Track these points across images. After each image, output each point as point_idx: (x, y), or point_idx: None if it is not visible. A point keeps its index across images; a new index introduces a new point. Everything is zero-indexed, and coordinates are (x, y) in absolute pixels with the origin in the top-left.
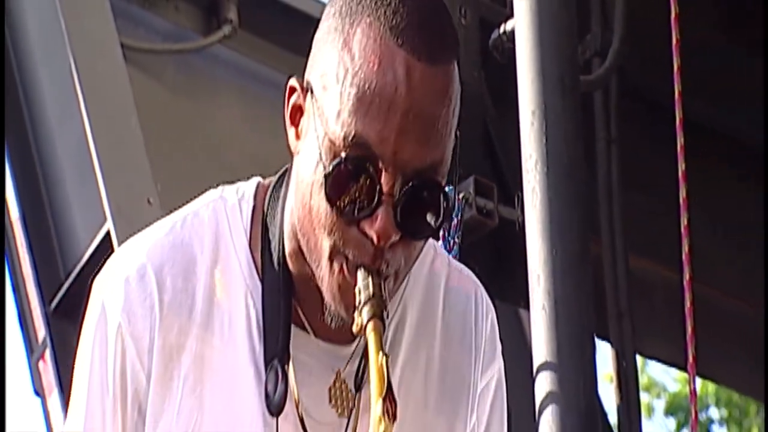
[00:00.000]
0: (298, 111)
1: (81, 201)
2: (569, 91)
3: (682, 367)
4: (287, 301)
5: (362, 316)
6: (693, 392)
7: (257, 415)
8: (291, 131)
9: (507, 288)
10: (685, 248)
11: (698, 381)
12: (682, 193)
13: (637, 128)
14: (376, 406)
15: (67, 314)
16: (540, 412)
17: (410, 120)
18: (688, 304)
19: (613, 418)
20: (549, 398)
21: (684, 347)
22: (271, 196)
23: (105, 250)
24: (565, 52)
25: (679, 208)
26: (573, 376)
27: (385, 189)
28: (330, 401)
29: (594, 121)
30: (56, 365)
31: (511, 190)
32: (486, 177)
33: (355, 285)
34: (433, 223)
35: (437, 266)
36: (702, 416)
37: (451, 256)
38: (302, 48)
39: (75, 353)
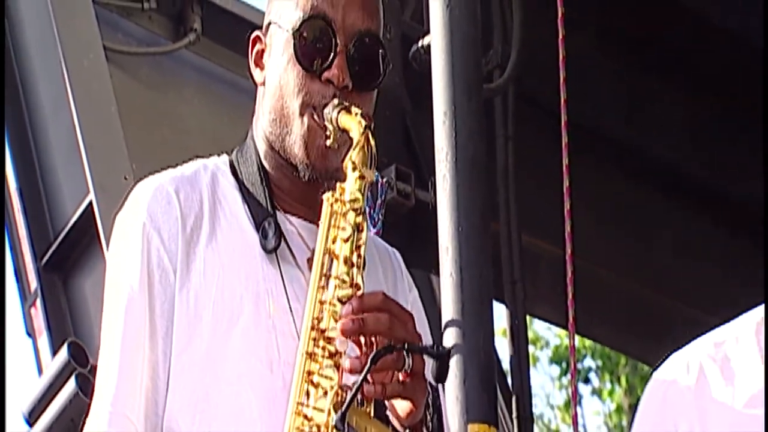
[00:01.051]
0: (260, 54)
1: (68, 176)
2: (475, 96)
3: (564, 326)
4: (268, 188)
5: (333, 116)
6: (572, 347)
7: (260, 256)
8: (256, 71)
9: (421, 257)
10: (568, 228)
11: (576, 337)
12: (566, 183)
13: (530, 128)
14: (355, 118)
15: (54, 269)
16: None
17: None
18: (569, 274)
19: (506, 366)
20: (454, 349)
21: (565, 310)
22: (238, 148)
23: (88, 216)
24: (472, 63)
25: (563, 195)
26: (474, 331)
27: (339, 43)
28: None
29: (495, 121)
30: (45, 311)
31: (426, 177)
32: (405, 165)
33: (324, 125)
34: (377, 77)
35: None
36: (580, 366)
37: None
38: None
39: (61, 302)
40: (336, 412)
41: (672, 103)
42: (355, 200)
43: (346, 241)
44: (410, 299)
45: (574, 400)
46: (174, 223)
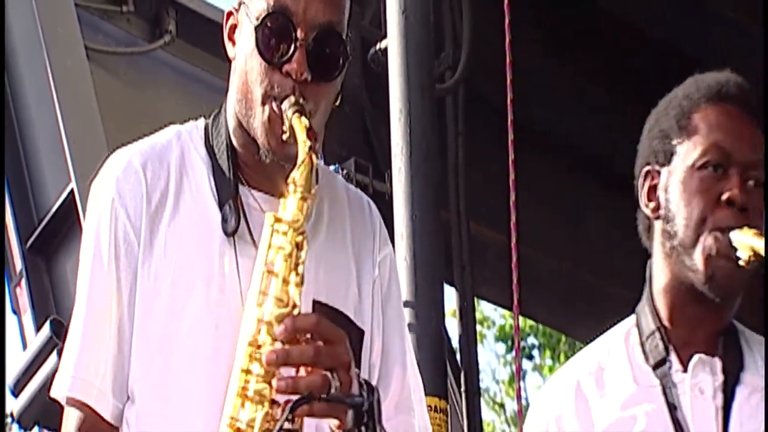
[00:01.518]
0: (233, 29)
1: (51, 166)
2: (428, 95)
3: (509, 307)
4: (234, 165)
5: (287, 116)
6: (516, 327)
7: (220, 237)
8: (229, 45)
9: None
10: (513, 218)
11: (520, 317)
12: (512, 176)
13: (479, 125)
14: (301, 136)
15: (38, 251)
16: None
17: None
18: (514, 260)
19: (455, 344)
20: (409, 327)
21: (510, 292)
22: (214, 115)
23: (69, 203)
24: (425, 65)
25: (509, 188)
26: (427, 312)
27: (299, 38)
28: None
29: (446, 119)
30: (29, 290)
31: (383, 169)
32: (363, 158)
33: (282, 117)
34: (336, 68)
35: (339, 180)
36: (523, 344)
37: None
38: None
39: (44, 282)
40: None
41: (608, 105)
42: (296, 221)
43: (285, 259)
44: (379, 258)
45: (517, 376)
46: (140, 200)
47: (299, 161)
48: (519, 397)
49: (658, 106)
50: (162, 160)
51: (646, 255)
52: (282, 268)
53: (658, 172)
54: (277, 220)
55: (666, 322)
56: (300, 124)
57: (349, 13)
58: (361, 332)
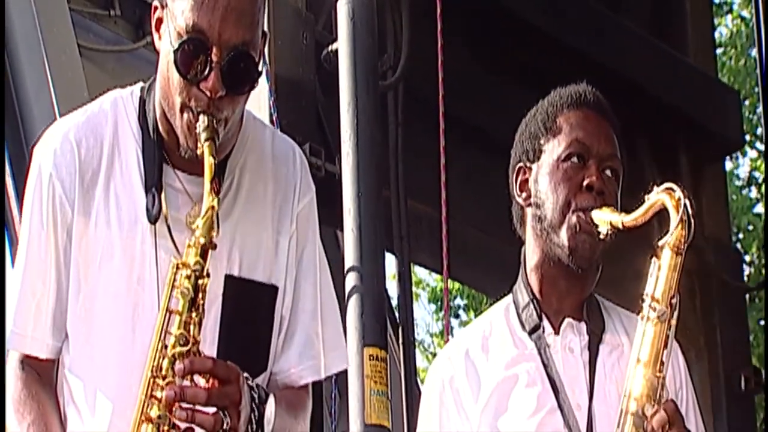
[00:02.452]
0: (159, 22)
1: None
2: (372, 91)
3: (439, 272)
4: (160, 149)
5: (201, 139)
6: (446, 288)
7: (144, 221)
8: (156, 36)
9: (329, 217)
10: (443, 196)
11: (449, 281)
12: (443, 161)
13: (416, 117)
14: (207, 183)
15: None
16: (348, 297)
17: (228, 12)
18: (444, 232)
19: (394, 302)
20: (354, 289)
21: (441, 260)
22: (148, 87)
23: None
24: (370, 65)
25: (440, 170)
26: (370, 275)
27: (214, 59)
28: (187, 219)
29: (387, 111)
30: None
31: (333, 153)
32: (317, 144)
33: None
34: (249, 83)
35: (267, 135)
36: (452, 304)
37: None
38: None
39: None
40: None
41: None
42: (197, 264)
43: (188, 301)
44: (298, 209)
45: (446, 330)
46: (74, 175)
47: (203, 210)
48: None
49: (527, 115)
50: (96, 134)
51: None
52: (184, 308)
53: (529, 168)
54: (183, 265)
55: (538, 295)
56: (209, 147)
57: (261, 30)
58: (275, 289)
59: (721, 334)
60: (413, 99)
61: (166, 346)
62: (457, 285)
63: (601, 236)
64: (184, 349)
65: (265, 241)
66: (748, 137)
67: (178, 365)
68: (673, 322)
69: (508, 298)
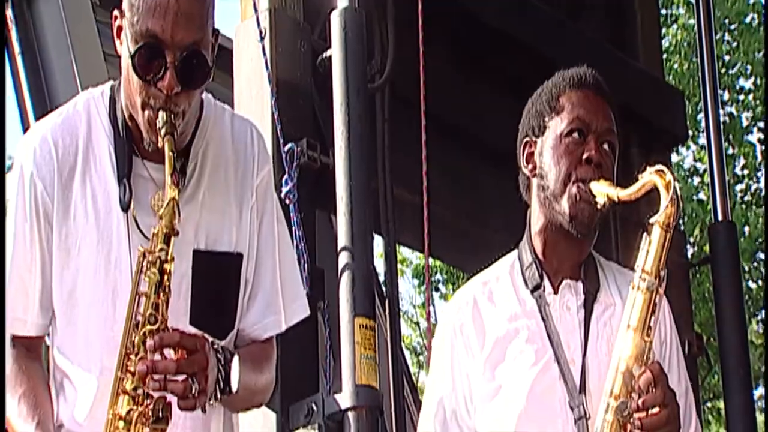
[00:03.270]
0: (120, 29)
1: None
2: (362, 92)
3: (421, 251)
4: (129, 143)
5: (161, 134)
6: (427, 266)
7: (118, 210)
8: (117, 42)
9: (325, 203)
10: (425, 184)
11: (430, 259)
12: (424, 153)
13: (400, 115)
14: (168, 176)
15: None
16: (341, 273)
17: (179, 16)
18: (425, 216)
19: (381, 278)
20: (346, 267)
21: (422, 240)
22: (117, 85)
23: None
24: (360, 70)
25: (422, 162)
26: (360, 254)
27: (168, 60)
28: (151, 202)
29: (375, 110)
30: None
31: (328, 147)
32: (313, 138)
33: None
34: (201, 77)
35: (227, 117)
36: (432, 279)
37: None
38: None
39: None
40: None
41: (495, 102)
42: (161, 250)
43: (154, 283)
44: (256, 182)
45: (428, 303)
46: (53, 173)
47: (166, 202)
48: (429, 318)
49: (533, 95)
50: (72, 133)
51: (521, 212)
52: (152, 290)
53: (535, 142)
54: (149, 252)
55: (540, 257)
56: (168, 158)
57: (212, 28)
58: (240, 256)
59: (669, 305)
60: (398, 99)
61: (137, 325)
62: (437, 262)
63: (599, 206)
64: (154, 327)
65: (229, 215)
66: (691, 132)
67: (149, 341)
68: (661, 291)
69: (513, 254)
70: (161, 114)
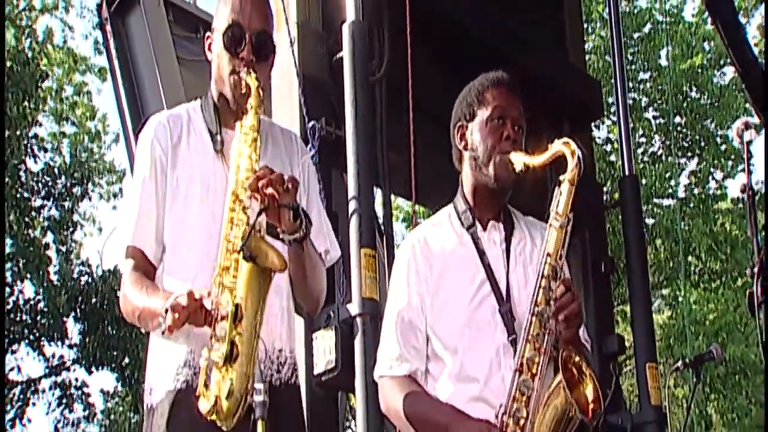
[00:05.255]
0: (209, 45)
1: None
2: (366, 84)
3: (409, 199)
4: (217, 114)
5: (245, 76)
6: (414, 212)
7: (212, 154)
8: (208, 53)
9: (338, 164)
10: (412, 150)
11: (416, 205)
12: (412, 137)
13: (396, 103)
14: (253, 84)
15: None
16: (350, 216)
17: (253, 9)
18: (413, 173)
19: (381, 220)
20: (355, 211)
21: (410, 191)
22: (205, 95)
23: None
24: (364, 66)
25: (409, 134)
26: (365, 201)
27: (247, 37)
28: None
29: (375, 97)
30: None
31: (341, 123)
32: (330, 117)
33: (240, 81)
34: (269, 53)
35: (277, 128)
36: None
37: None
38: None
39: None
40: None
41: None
42: (252, 125)
43: (249, 145)
44: (302, 161)
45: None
46: (167, 139)
47: (253, 103)
48: None
49: (464, 90)
50: (177, 120)
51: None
52: (248, 151)
53: (466, 125)
54: (242, 125)
55: (472, 205)
56: (252, 80)
57: (272, 20)
58: (297, 180)
59: (588, 235)
60: (392, 89)
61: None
62: (421, 209)
63: (517, 171)
64: (251, 175)
65: (284, 171)
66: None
67: (249, 181)
68: (569, 228)
69: (449, 207)
70: (245, 72)
